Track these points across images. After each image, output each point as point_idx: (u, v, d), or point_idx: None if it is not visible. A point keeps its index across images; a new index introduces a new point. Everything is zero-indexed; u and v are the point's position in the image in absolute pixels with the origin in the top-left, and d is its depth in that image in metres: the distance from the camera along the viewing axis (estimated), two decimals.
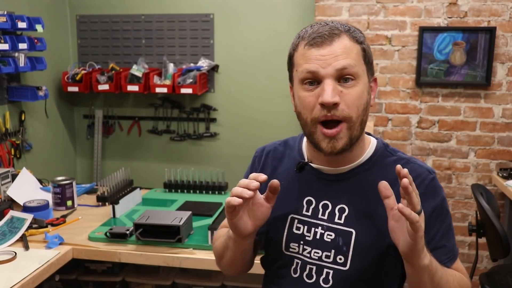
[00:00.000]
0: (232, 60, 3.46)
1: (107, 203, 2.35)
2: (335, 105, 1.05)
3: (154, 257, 1.87)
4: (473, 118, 3.16)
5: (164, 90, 3.30)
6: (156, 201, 2.41)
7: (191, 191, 2.50)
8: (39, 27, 2.80)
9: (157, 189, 2.60)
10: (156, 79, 3.34)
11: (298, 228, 1.17)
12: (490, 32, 3.01)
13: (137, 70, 3.31)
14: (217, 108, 3.54)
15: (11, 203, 2.20)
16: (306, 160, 1.21)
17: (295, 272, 1.18)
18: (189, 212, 1.99)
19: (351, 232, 1.12)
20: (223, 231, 1.30)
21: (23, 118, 2.99)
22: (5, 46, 2.58)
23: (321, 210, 1.16)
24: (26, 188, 2.37)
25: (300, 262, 1.17)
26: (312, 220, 1.16)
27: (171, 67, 3.37)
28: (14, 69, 2.66)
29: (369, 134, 1.24)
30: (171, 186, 2.52)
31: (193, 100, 3.56)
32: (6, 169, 2.39)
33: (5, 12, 2.61)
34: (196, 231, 2.00)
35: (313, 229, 1.16)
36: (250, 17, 3.39)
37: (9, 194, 2.28)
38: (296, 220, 1.18)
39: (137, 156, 3.70)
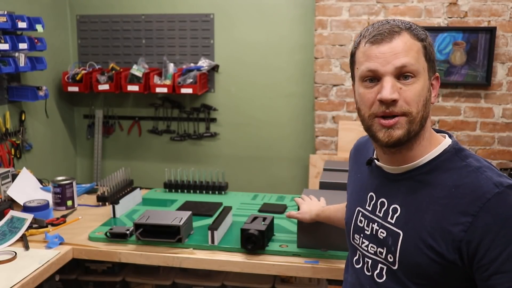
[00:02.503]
0: (232, 60, 3.47)
1: (107, 203, 2.35)
2: (393, 101, 1.07)
3: (154, 257, 1.87)
4: (473, 118, 3.16)
5: (164, 90, 3.30)
6: (156, 201, 2.41)
7: (191, 191, 2.50)
8: (39, 27, 2.80)
9: (157, 189, 2.59)
10: (156, 79, 3.34)
11: (360, 221, 1.24)
12: (490, 32, 3.01)
13: (137, 70, 3.31)
14: (217, 108, 3.54)
15: (11, 203, 2.20)
16: (374, 156, 1.26)
17: (357, 263, 1.24)
18: (189, 212, 1.99)
19: (399, 234, 1.12)
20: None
21: (23, 118, 2.99)
22: (5, 46, 2.58)
23: (378, 207, 1.19)
24: (26, 188, 2.36)
25: (361, 254, 1.23)
26: (371, 216, 1.21)
27: (171, 67, 3.37)
28: (14, 69, 2.67)
29: (447, 134, 1.19)
30: (171, 186, 2.52)
31: (193, 100, 3.56)
32: (6, 169, 2.39)
33: (5, 12, 2.61)
34: (196, 231, 2.00)
35: (370, 224, 1.20)
36: (250, 17, 3.40)
37: (9, 194, 2.28)
38: (360, 213, 1.24)
39: (137, 156, 3.70)
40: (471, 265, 1.04)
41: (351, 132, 3.24)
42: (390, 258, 1.14)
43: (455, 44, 3.08)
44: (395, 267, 1.13)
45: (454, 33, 3.07)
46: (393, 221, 1.14)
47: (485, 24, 3.04)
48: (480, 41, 3.05)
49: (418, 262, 1.08)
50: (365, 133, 1.20)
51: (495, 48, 3.04)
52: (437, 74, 1.16)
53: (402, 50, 1.07)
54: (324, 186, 2.02)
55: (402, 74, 1.08)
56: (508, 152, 3.13)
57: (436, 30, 3.07)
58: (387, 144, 1.10)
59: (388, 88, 1.06)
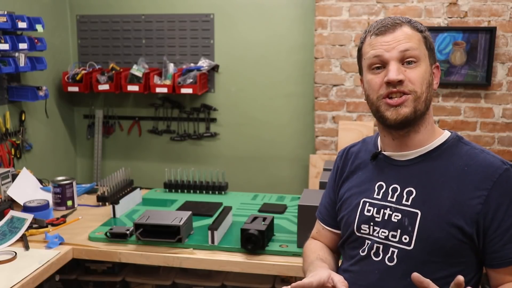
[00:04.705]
0: (232, 60, 3.47)
1: (107, 203, 2.35)
2: (399, 82, 1.16)
3: (154, 257, 1.87)
4: (473, 118, 3.16)
5: (164, 90, 3.30)
6: (156, 201, 2.41)
7: (191, 191, 2.51)
8: (39, 27, 2.80)
9: (157, 189, 2.60)
10: (156, 79, 3.34)
11: (368, 211, 1.26)
12: (490, 32, 3.01)
13: (137, 70, 3.31)
14: (217, 108, 3.54)
15: (11, 203, 2.20)
16: (379, 150, 1.31)
17: (363, 252, 1.26)
18: (189, 212, 1.99)
19: (417, 213, 1.18)
20: (312, 254, 1.39)
21: (23, 118, 2.99)
22: (6, 46, 2.58)
23: (390, 193, 1.24)
24: (26, 188, 2.37)
25: (370, 242, 1.25)
26: (382, 202, 1.24)
27: (171, 67, 3.37)
28: (14, 69, 2.66)
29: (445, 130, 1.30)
30: (171, 186, 2.52)
31: (193, 100, 3.56)
32: (6, 169, 2.39)
33: (5, 12, 2.61)
34: (196, 231, 2.00)
35: (382, 210, 1.24)
36: (250, 17, 3.40)
37: (9, 194, 2.28)
38: (367, 204, 1.27)
39: (137, 156, 3.70)
40: (485, 238, 1.14)
41: (351, 132, 3.24)
42: (405, 239, 1.18)
43: (455, 44, 3.08)
44: (411, 247, 1.18)
45: (454, 33, 3.07)
46: (408, 203, 1.20)
47: (485, 24, 3.04)
48: (480, 41, 3.05)
49: (437, 238, 1.15)
50: (358, 137, 1.22)
51: (495, 48, 3.04)
52: (437, 63, 1.25)
53: (404, 38, 1.18)
54: (324, 186, 2.01)
55: (405, 59, 1.17)
56: (508, 152, 3.13)
57: (436, 30, 3.07)
58: (396, 121, 1.18)
59: (394, 70, 1.16)
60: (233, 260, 1.82)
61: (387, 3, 3.10)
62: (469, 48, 3.07)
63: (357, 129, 3.24)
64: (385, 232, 1.22)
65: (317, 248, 1.42)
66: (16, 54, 2.70)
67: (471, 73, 3.09)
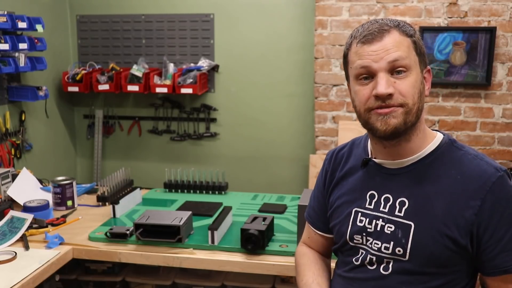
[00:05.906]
0: (232, 60, 3.47)
1: (107, 203, 2.35)
2: (389, 96, 1.10)
3: (154, 257, 1.87)
4: (473, 118, 3.16)
5: (164, 90, 3.30)
6: (156, 201, 2.41)
7: (191, 191, 2.50)
8: (39, 27, 2.80)
9: (157, 189, 2.60)
10: (156, 79, 3.34)
11: (361, 221, 1.23)
12: (490, 32, 3.01)
13: (137, 70, 3.31)
14: (217, 108, 3.54)
15: (11, 203, 2.20)
16: (370, 156, 1.26)
17: (357, 261, 1.24)
18: (189, 212, 1.99)
19: (410, 225, 1.15)
20: (307, 271, 1.37)
21: (23, 118, 2.99)
22: (6, 46, 2.58)
23: (382, 203, 1.21)
24: (26, 188, 2.36)
25: (364, 252, 1.23)
26: (374, 213, 1.21)
27: (171, 67, 3.37)
28: (14, 69, 2.66)
29: (437, 130, 1.26)
30: (171, 186, 2.52)
31: (193, 100, 3.56)
32: (6, 169, 2.39)
33: (5, 12, 2.61)
34: (196, 231, 2.00)
35: (374, 221, 1.21)
36: (250, 17, 3.40)
37: (9, 194, 2.28)
38: (359, 213, 1.24)
39: (137, 156, 3.70)
40: (479, 247, 1.11)
41: (351, 132, 3.24)
42: (399, 251, 1.16)
43: (455, 44, 3.08)
44: (406, 259, 1.16)
45: (454, 33, 3.07)
46: (401, 214, 1.17)
47: (485, 24, 3.04)
48: (480, 41, 3.05)
49: (432, 250, 1.12)
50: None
51: (495, 48, 3.04)
52: (428, 67, 1.20)
53: (393, 46, 1.11)
54: None
55: (395, 69, 1.11)
56: (508, 152, 3.13)
57: (436, 30, 3.07)
58: (385, 132, 1.12)
59: (383, 83, 1.10)
60: (233, 260, 1.82)
61: (387, 3, 3.10)
62: (469, 48, 3.07)
63: (357, 129, 3.24)
64: (378, 244, 1.19)
65: (310, 262, 1.39)
66: (16, 54, 2.70)
67: (471, 73, 3.10)
